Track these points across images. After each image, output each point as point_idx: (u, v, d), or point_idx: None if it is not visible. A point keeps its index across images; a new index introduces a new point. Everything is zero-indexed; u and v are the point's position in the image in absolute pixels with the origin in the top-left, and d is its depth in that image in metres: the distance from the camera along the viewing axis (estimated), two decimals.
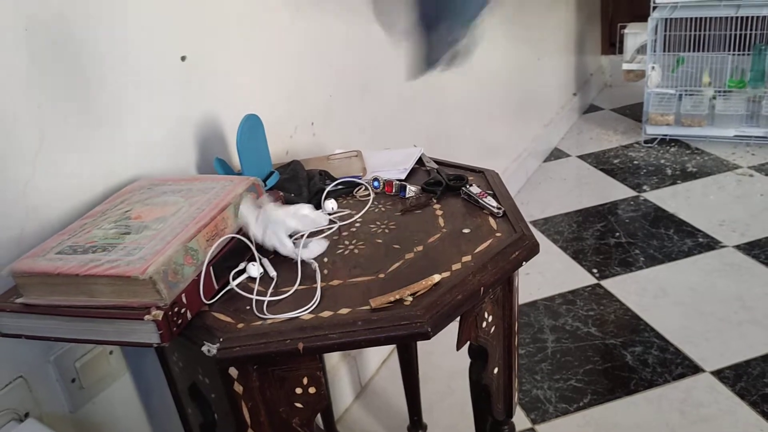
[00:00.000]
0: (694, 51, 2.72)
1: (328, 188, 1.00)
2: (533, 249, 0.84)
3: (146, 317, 0.69)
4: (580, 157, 2.81)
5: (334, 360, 1.52)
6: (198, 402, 0.87)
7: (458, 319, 0.81)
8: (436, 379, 1.61)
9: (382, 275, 0.79)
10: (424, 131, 1.83)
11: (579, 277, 1.98)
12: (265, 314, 0.74)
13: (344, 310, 0.73)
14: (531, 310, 1.84)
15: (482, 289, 0.77)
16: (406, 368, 1.36)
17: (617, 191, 2.48)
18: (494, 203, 0.92)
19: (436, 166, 1.08)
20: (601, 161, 2.75)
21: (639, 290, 1.88)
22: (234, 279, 0.80)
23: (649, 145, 2.83)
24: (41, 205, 0.86)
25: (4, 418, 0.85)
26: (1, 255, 0.81)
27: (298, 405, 0.76)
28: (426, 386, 1.47)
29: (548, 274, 2.00)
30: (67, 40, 0.86)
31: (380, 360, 1.71)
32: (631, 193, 2.45)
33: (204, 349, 0.70)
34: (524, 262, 0.82)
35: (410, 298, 0.74)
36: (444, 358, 1.67)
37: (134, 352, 1.00)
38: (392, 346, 1.71)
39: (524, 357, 1.67)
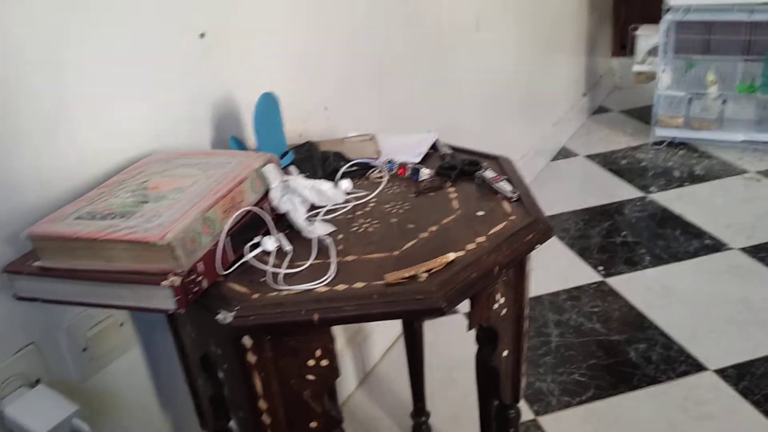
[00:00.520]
0: (705, 55, 2.72)
1: (343, 169, 1.00)
2: (547, 232, 0.84)
3: (164, 283, 0.69)
4: (588, 156, 2.82)
5: (338, 345, 1.53)
6: (209, 374, 0.88)
7: (468, 303, 0.82)
8: (439, 369, 1.61)
9: (396, 252, 0.80)
10: (435, 123, 1.83)
11: (584, 274, 1.98)
12: (280, 286, 0.75)
13: (359, 284, 0.74)
14: (536, 305, 1.84)
15: (496, 268, 0.77)
16: (412, 354, 1.37)
17: (624, 191, 2.49)
18: (508, 188, 0.92)
19: (450, 151, 1.08)
20: (608, 161, 2.75)
21: (644, 289, 1.88)
22: (250, 251, 0.80)
23: (658, 147, 2.83)
24: (57, 174, 0.86)
25: (15, 383, 0.85)
26: (17, 223, 0.82)
27: (310, 377, 0.76)
28: (428, 376, 1.48)
29: (554, 270, 2.00)
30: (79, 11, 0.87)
31: (384, 348, 1.71)
32: (638, 193, 2.46)
33: (219, 317, 0.71)
34: (538, 245, 0.83)
35: (425, 275, 0.74)
36: (446, 348, 1.67)
37: (144, 325, 1.01)
38: (397, 334, 1.72)
39: (528, 350, 1.67)
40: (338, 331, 1.50)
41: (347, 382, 1.57)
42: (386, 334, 1.70)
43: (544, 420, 1.46)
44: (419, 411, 1.44)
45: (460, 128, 2.00)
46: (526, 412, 1.48)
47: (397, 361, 1.67)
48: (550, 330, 1.74)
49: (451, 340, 1.71)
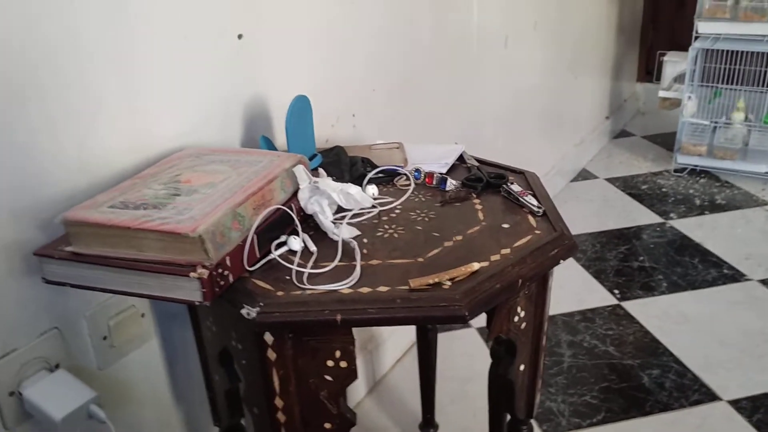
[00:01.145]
0: (731, 84, 2.71)
1: (371, 174, 1.01)
2: (572, 248, 0.84)
3: (192, 274, 0.70)
4: (608, 180, 2.81)
5: None
6: (226, 368, 0.89)
7: (484, 317, 0.82)
8: (450, 382, 1.60)
9: (421, 259, 0.80)
10: (458, 136, 1.84)
11: (599, 297, 1.97)
12: (304, 285, 0.75)
13: (383, 288, 0.74)
14: (549, 325, 1.83)
15: (520, 281, 0.78)
16: (424, 365, 1.37)
17: (643, 216, 2.48)
18: (534, 202, 0.92)
19: (476, 163, 1.09)
20: (628, 186, 2.74)
21: (660, 315, 1.87)
22: (276, 249, 0.81)
23: (679, 174, 2.81)
24: (93, 163, 0.88)
25: (36, 366, 0.86)
26: (48, 209, 0.83)
27: (328, 378, 0.77)
28: (439, 388, 1.48)
29: (569, 291, 1.99)
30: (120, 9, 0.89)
31: (396, 357, 1.71)
32: (658, 219, 2.45)
33: (244, 311, 0.72)
34: (562, 260, 0.83)
35: (449, 283, 0.75)
36: (459, 361, 1.67)
37: (164, 317, 1.02)
38: (410, 343, 1.72)
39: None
40: None
41: (357, 389, 1.57)
42: (399, 342, 1.70)
43: None
44: (428, 422, 1.44)
45: (483, 142, 2.01)
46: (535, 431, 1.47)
47: (408, 371, 1.66)
48: (562, 350, 1.73)
49: (464, 353, 1.70)
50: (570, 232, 0.87)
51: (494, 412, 1.08)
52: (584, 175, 2.87)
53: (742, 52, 2.63)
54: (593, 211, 2.56)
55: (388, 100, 1.49)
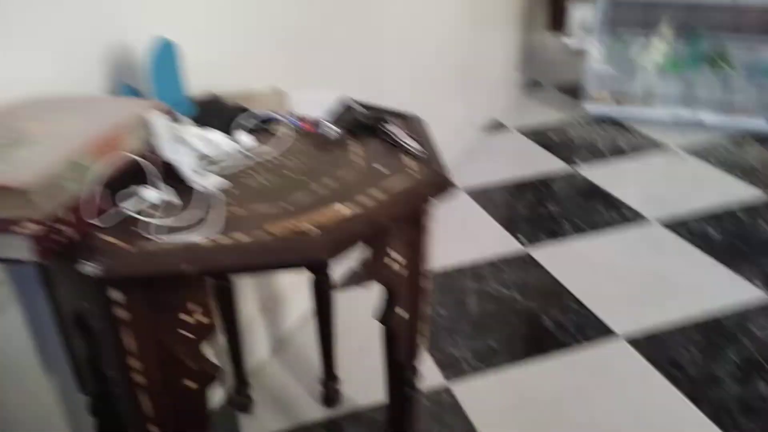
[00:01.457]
0: (637, 33, 2.76)
1: (244, 122, 0.95)
2: (446, 187, 0.82)
3: (16, 229, 0.63)
4: (519, 130, 2.83)
5: (251, 312, 1.49)
6: (84, 333, 0.83)
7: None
8: (354, 336, 1.58)
9: (286, 205, 0.76)
10: (357, 90, 1.79)
11: (507, 245, 1.99)
12: (158, 238, 0.70)
13: (241, 236, 0.70)
14: (457, 275, 1.84)
15: (388, 222, 0.75)
16: (323, 321, 1.34)
17: (552, 165, 2.51)
18: (412, 143, 0.89)
19: (357, 106, 1.04)
20: (538, 135, 2.77)
21: (564, 259, 1.91)
22: (129, 202, 0.75)
23: (587, 122, 2.86)
24: None
25: None
26: None
27: (187, 334, 0.72)
28: (344, 342, 1.46)
29: (478, 241, 2.00)
30: None
31: (300, 315, 1.68)
32: (565, 167, 2.48)
33: (85, 268, 0.66)
34: (434, 198, 0.80)
35: (312, 227, 0.71)
36: (365, 316, 1.65)
37: (26, 284, 0.94)
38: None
39: (444, 318, 1.67)
40: (249, 297, 1.46)
41: (259, 350, 1.54)
42: (304, 301, 1.67)
43: (456, 386, 1.46)
44: (329, 376, 1.42)
45: (387, 99, 1.96)
46: (437, 378, 1.47)
47: (313, 329, 1.63)
48: (468, 299, 1.74)
49: (371, 307, 1.68)
50: (446, 172, 0.84)
51: (387, 360, 1.07)
52: (496, 126, 2.88)
53: (648, 1, 2.67)
54: (504, 161, 2.57)
55: (277, 48, 1.42)
